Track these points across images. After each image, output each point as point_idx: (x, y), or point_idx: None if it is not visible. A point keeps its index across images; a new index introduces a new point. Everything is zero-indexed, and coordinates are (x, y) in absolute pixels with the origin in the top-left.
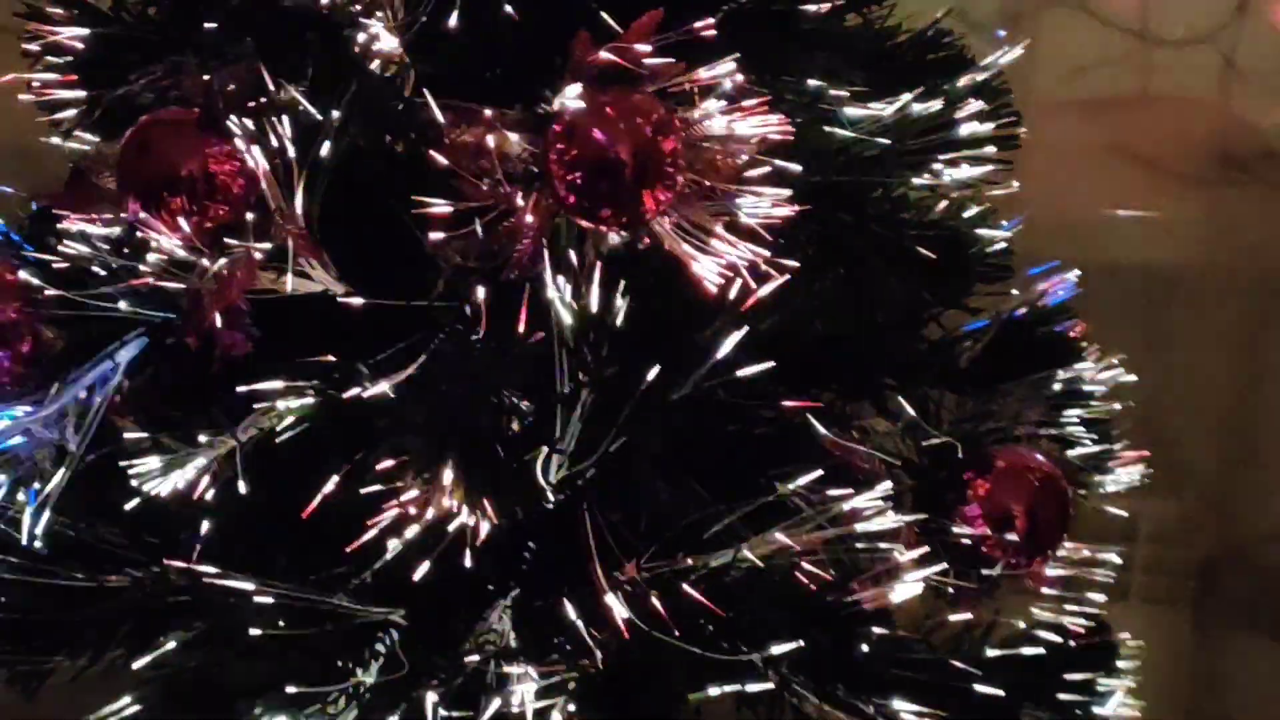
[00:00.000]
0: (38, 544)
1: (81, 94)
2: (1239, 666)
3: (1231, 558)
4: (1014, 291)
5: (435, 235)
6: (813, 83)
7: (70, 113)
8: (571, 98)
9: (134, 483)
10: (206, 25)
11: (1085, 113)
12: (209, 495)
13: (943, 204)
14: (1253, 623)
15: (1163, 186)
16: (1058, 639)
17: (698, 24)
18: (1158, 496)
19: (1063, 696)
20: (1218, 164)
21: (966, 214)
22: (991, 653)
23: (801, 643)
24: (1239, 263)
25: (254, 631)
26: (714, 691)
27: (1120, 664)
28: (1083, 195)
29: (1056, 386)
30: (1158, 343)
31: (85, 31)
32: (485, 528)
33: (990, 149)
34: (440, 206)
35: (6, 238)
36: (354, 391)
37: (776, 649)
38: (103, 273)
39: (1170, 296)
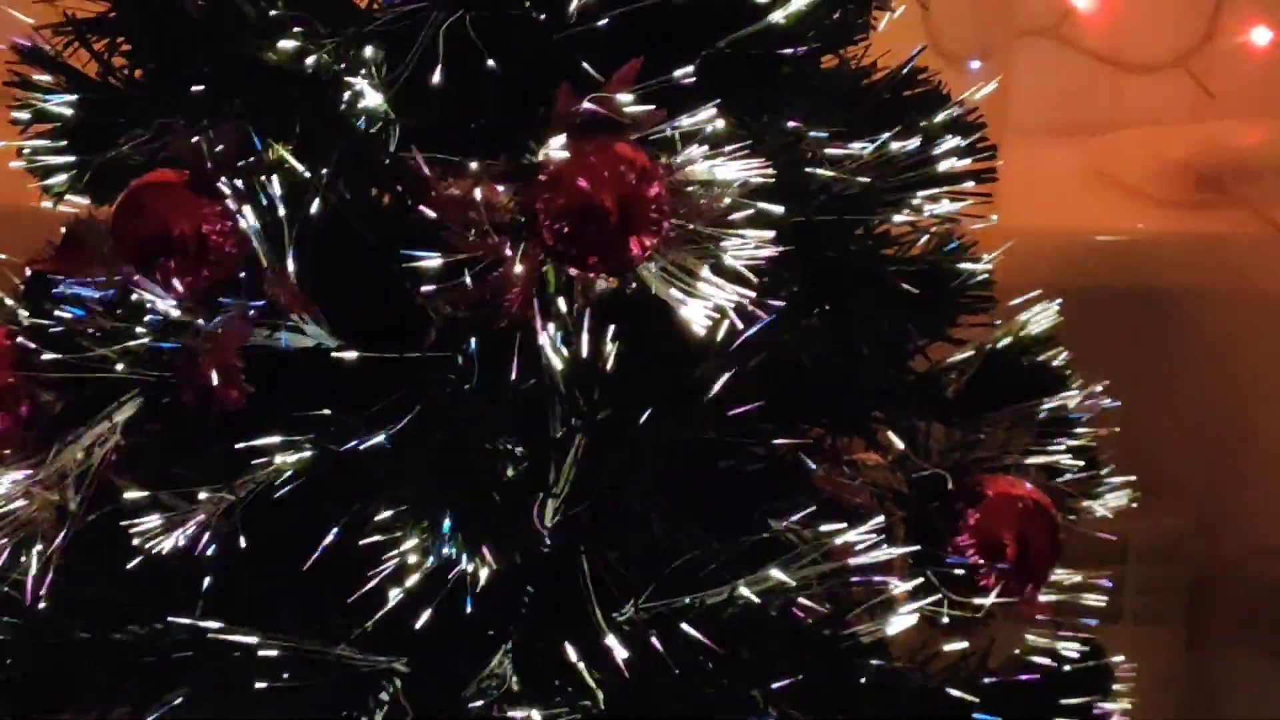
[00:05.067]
0: (41, 605)
1: (71, 159)
2: (1232, 682)
3: (1222, 575)
4: (997, 322)
5: (426, 288)
6: (792, 124)
7: (61, 177)
8: (556, 148)
9: (135, 541)
10: (194, 88)
11: (1061, 140)
12: (210, 551)
13: (923, 238)
14: (1245, 638)
15: (1141, 211)
16: (1053, 664)
17: (677, 72)
18: (1147, 516)
19: None
20: (1194, 186)
21: (947, 247)
22: (987, 680)
23: (800, 677)
24: (1220, 283)
25: (259, 685)
26: None
27: (1115, 687)
28: (1061, 221)
29: (1043, 415)
30: (1141, 364)
31: (73, 98)
32: (485, 574)
33: (969, 183)
34: (430, 259)
35: (1, 302)
36: (351, 444)
37: (775, 684)
38: (99, 335)
39: (1153, 318)
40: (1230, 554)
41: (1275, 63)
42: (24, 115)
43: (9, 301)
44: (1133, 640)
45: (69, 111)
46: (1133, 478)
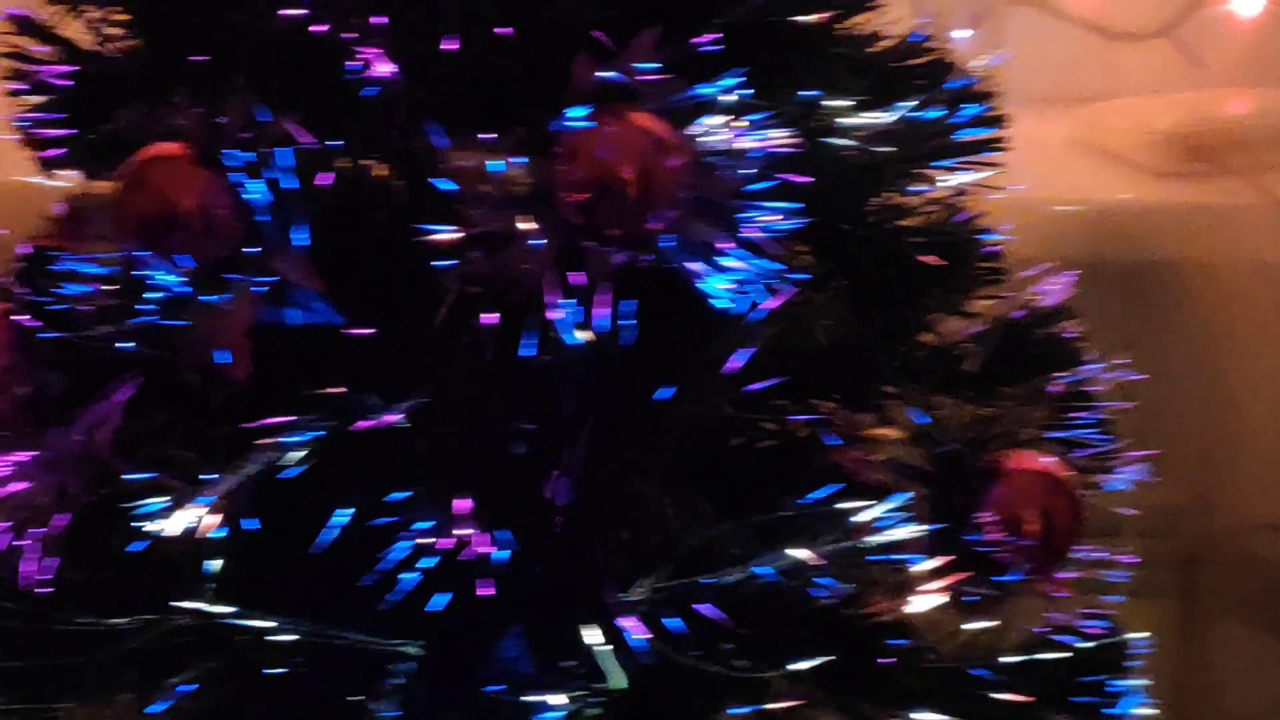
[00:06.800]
0: (40, 590)
1: (69, 132)
2: (1227, 656)
3: (1216, 548)
4: (1007, 294)
5: (441, 263)
6: (808, 93)
7: (58, 151)
8: (573, 119)
9: (138, 524)
10: (195, 58)
11: (1051, 110)
12: (216, 534)
13: (936, 209)
14: (1240, 612)
15: (1131, 181)
16: (1072, 641)
17: (698, 40)
18: (1142, 491)
19: (1076, 699)
20: (1185, 156)
21: (957, 219)
22: (1007, 659)
23: (825, 658)
24: (1213, 254)
25: (273, 671)
26: (737, 711)
27: (1131, 663)
28: (1052, 192)
29: (1058, 388)
30: (1133, 337)
31: (70, 69)
32: (501, 556)
33: (988, 153)
34: (444, 233)
35: None
36: (365, 423)
37: (795, 665)
38: (100, 312)
39: (1145, 289)
40: (1226, 528)
41: (1265, 31)
42: (21, 86)
43: (5, 279)
44: (1128, 614)
45: (67, 83)
46: (1153, 452)
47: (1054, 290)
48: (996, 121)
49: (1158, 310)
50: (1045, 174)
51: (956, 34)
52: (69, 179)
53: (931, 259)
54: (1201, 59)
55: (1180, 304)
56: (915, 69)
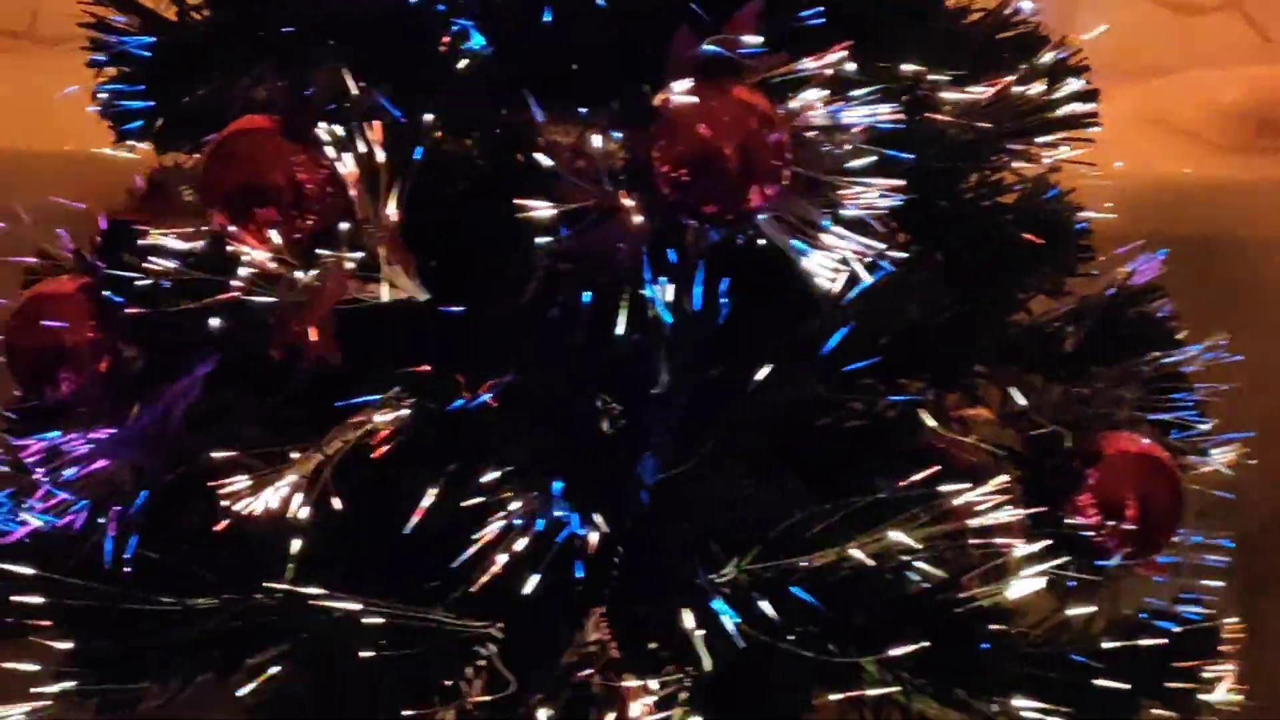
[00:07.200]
0: (124, 569)
1: (149, 104)
2: None
3: (1273, 529)
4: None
5: (542, 239)
6: (908, 67)
7: (137, 123)
8: (674, 93)
9: (224, 503)
10: (285, 29)
11: (1117, 83)
12: (303, 514)
13: (1027, 186)
14: None
15: (1197, 156)
16: (1172, 627)
17: (804, 13)
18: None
19: (1170, 685)
20: (1251, 131)
21: (1047, 195)
22: (1108, 644)
23: (923, 644)
24: (1277, 230)
25: (364, 654)
26: (833, 697)
27: (1223, 648)
28: (1124, 168)
29: (1151, 368)
30: (1199, 313)
31: (151, 40)
32: (594, 538)
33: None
34: (542, 209)
35: (78, 254)
36: (459, 403)
37: (895, 651)
38: (183, 288)
39: (1211, 265)
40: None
41: None
42: (100, 57)
43: (84, 253)
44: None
45: (147, 54)
46: (1250, 434)
47: (1145, 268)
48: (1093, 96)
49: (1223, 286)
50: (1110, 148)
51: (1026, 5)
52: (144, 152)
53: (1032, 237)
54: (1270, 33)
55: (1247, 280)
56: (1004, 42)
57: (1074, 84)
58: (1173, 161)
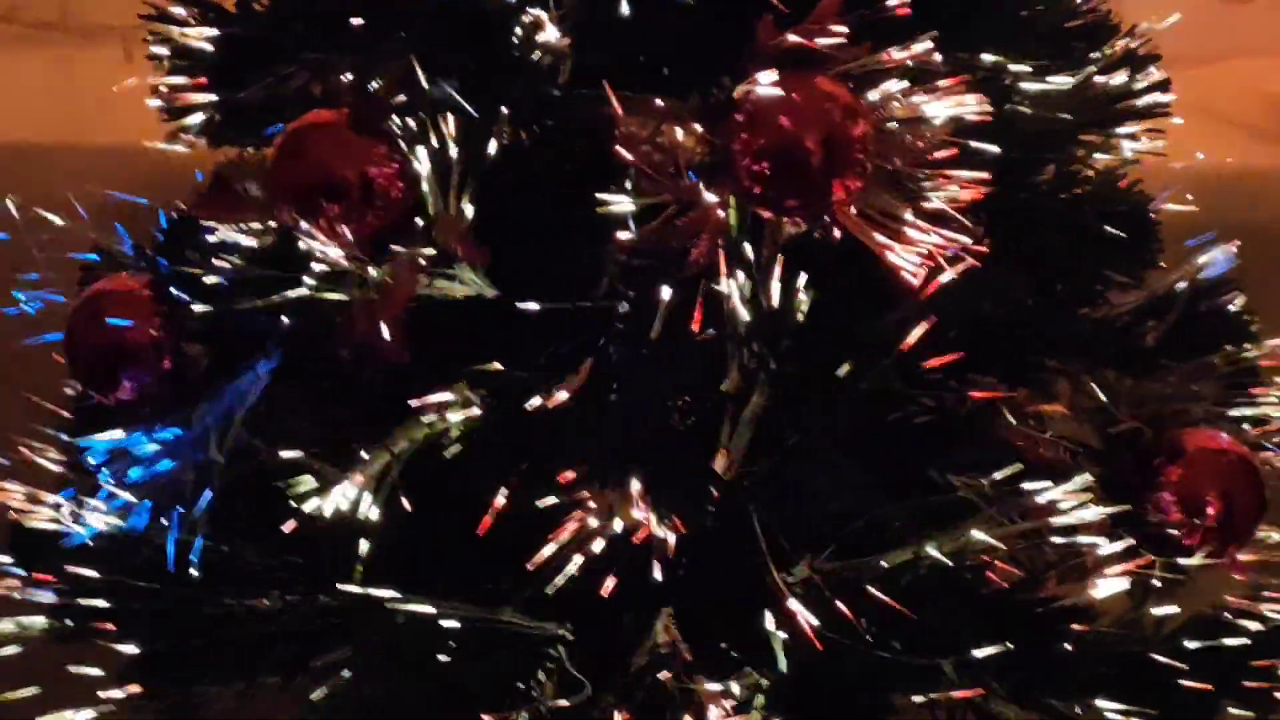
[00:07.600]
0: (191, 571)
1: (211, 97)
2: None
3: None
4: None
5: (623, 234)
6: (989, 57)
7: (197, 117)
8: (757, 84)
9: (292, 502)
10: (354, 21)
11: (1170, 73)
12: (373, 514)
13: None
14: None
15: (1247, 144)
16: (1256, 627)
17: (893, 2)
18: None
19: (1249, 684)
20: None
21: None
22: (1190, 644)
23: (1005, 645)
24: None
25: (441, 658)
26: (915, 699)
27: None
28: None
29: (1226, 363)
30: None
31: (213, 32)
32: (672, 539)
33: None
34: (623, 203)
35: (140, 251)
36: (535, 401)
37: (973, 653)
38: (249, 285)
39: (1254, 253)
40: None
41: None
42: (162, 50)
43: (146, 250)
44: None
45: (209, 47)
46: None
47: (1219, 261)
48: (1167, 86)
49: (1268, 275)
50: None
51: None
52: (199, 148)
53: (1114, 230)
54: None
55: None
56: (1070, 30)
57: (1154, 74)
58: (1219, 150)
